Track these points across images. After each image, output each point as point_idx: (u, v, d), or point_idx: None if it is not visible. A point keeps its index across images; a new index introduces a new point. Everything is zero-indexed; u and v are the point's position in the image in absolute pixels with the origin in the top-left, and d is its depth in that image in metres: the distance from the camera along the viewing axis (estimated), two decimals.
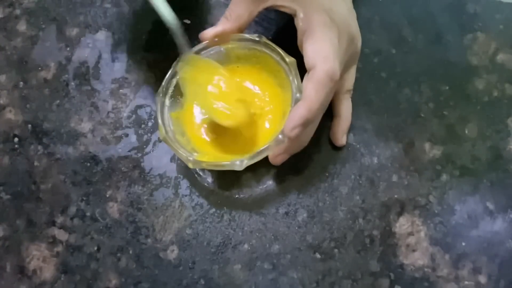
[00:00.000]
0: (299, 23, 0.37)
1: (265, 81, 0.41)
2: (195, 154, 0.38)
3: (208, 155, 0.39)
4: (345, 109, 0.40)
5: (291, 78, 0.37)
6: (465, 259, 0.37)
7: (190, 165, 0.37)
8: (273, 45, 0.38)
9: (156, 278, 0.38)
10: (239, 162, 0.36)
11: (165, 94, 0.40)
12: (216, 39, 0.39)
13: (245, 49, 0.40)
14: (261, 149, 0.36)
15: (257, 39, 0.39)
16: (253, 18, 0.39)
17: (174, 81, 0.40)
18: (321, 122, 0.38)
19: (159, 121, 0.38)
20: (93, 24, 0.46)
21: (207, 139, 0.40)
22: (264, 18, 0.44)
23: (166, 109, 0.39)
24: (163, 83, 0.39)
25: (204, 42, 0.40)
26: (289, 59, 0.38)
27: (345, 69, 0.38)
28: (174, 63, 0.40)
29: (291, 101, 0.37)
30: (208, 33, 0.39)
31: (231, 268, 0.38)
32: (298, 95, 0.36)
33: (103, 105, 0.43)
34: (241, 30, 0.39)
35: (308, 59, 0.35)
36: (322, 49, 0.35)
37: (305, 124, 0.34)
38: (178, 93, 0.40)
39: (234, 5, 0.39)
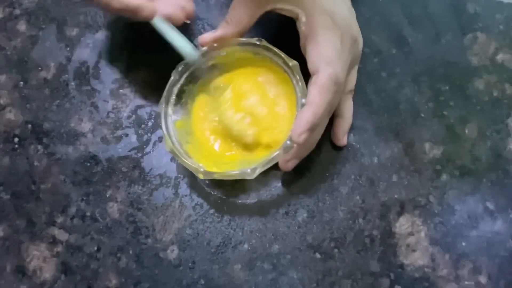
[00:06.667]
0: (302, 27, 0.37)
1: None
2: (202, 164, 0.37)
3: (215, 163, 0.38)
4: (347, 109, 0.40)
5: (294, 82, 0.37)
6: (465, 259, 0.37)
7: (201, 176, 0.37)
8: (275, 48, 0.38)
9: (156, 278, 0.38)
10: (250, 170, 0.35)
11: (167, 103, 0.39)
12: (216, 44, 0.39)
13: (247, 53, 0.40)
14: (272, 156, 0.35)
15: (257, 43, 0.39)
16: (253, 22, 0.39)
17: (175, 90, 0.40)
18: None
19: (165, 131, 0.38)
20: (93, 24, 0.46)
21: (214, 143, 0.40)
22: (266, 18, 0.44)
23: (169, 119, 0.39)
24: (164, 93, 0.39)
25: (204, 48, 0.39)
26: (292, 62, 0.37)
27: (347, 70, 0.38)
28: (174, 71, 0.40)
29: (296, 105, 0.37)
30: (207, 37, 0.39)
31: (231, 268, 0.38)
32: (303, 100, 0.36)
33: (103, 105, 0.43)
34: (241, 34, 0.39)
35: (312, 64, 0.35)
36: (325, 53, 0.35)
37: (312, 129, 0.34)
38: (180, 100, 0.40)
39: (234, 9, 0.38)
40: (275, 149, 0.36)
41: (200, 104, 0.41)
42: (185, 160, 0.37)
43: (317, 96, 0.34)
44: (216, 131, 0.40)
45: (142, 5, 0.38)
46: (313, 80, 0.35)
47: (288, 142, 0.35)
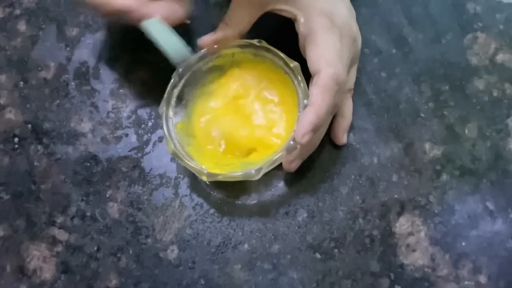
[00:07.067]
0: (300, 28, 0.37)
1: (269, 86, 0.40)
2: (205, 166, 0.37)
3: (218, 165, 0.38)
4: (346, 108, 0.40)
5: (296, 83, 0.37)
6: (465, 259, 0.37)
7: (204, 178, 0.36)
8: (275, 49, 0.38)
9: (156, 278, 0.38)
10: (254, 171, 0.35)
11: (168, 105, 0.39)
12: (216, 46, 0.39)
13: (247, 54, 0.40)
14: (275, 157, 0.36)
15: (257, 44, 0.39)
16: (253, 23, 0.39)
17: (175, 92, 0.40)
18: None
19: (166, 134, 0.38)
20: (93, 24, 0.46)
21: (216, 146, 0.40)
22: (264, 20, 0.44)
23: (170, 121, 0.39)
24: (165, 95, 0.39)
25: (203, 50, 0.39)
26: (293, 64, 0.37)
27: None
28: (174, 73, 0.39)
29: (297, 106, 0.37)
30: (207, 39, 0.39)
31: (231, 268, 0.38)
32: (305, 101, 0.36)
33: (103, 105, 0.43)
34: (241, 35, 0.39)
35: (312, 64, 0.35)
36: (325, 54, 0.35)
37: (315, 130, 0.34)
38: (180, 102, 0.40)
39: (233, 10, 0.38)
40: (278, 150, 0.36)
41: (202, 106, 0.41)
42: (188, 162, 0.37)
43: (320, 96, 0.34)
44: (215, 139, 0.40)
45: (133, 6, 0.37)
46: (315, 81, 0.35)
47: (291, 142, 0.35)
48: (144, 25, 0.38)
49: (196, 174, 0.37)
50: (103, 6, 0.37)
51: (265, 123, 0.39)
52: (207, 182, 0.40)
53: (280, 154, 0.36)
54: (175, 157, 0.37)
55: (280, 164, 0.37)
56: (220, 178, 0.36)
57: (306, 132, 0.34)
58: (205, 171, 0.36)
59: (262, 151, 0.38)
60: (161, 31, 0.37)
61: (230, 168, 0.37)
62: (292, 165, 0.38)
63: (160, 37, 0.37)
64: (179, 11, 0.39)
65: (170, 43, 0.37)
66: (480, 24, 0.43)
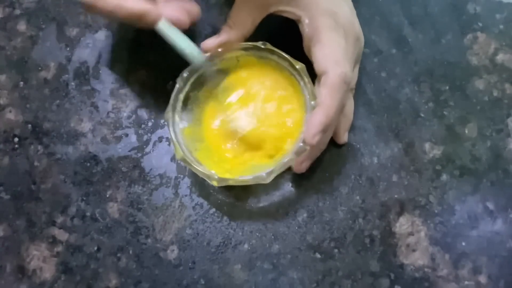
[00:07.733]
0: (305, 29, 0.37)
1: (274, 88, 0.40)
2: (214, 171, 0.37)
3: (226, 169, 0.38)
4: (348, 107, 0.40)
5: (302, 84, 0.37)
6: (465, 259, 0.37)
7: (215, 183, 0.36)
8: (280, 51, 0.38)
9: (156, 278, 0.38)
10: (265, 174, 0.35)
11: (174, 110, 0.39)
12: (220, 49, 0.39)
13: (251, 57, 0.39)
14: (286, 159, 0.35)
15: (262, 46, 0.38)
16: (256, 25, 0.39)
17: (181, 97, 0.39)
18: None
19: (174, 139, 0.38)
20: (93, 24, 0.46)
21: (226, 150, 0.39)
22: (266, 22, 0.44)
23: (177, 127, 0.39)
24: (170, 101, 0.39)
25: (207, 54, 0.39)
26: (299, 65, 0.37)
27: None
28: (179, 78, 0.39)
29: (304, 107, 0.37)
30: (211, 43, 0.38)
31: (231, 268, 0.38)
32: (312, 102, 0.36)
33: (103, 105, 0.43)
34: (245, 38, 0.39)
35: (319, 65, 0.35)
36: (332, 53, 0.35)
37: (324, 130, 0.34)
38: (186, 107, 0.40)
39: (236, 12, 0.38)
40: (287, 152, 0.36)
41: (211, 111, 0.40)
42: (197, 168, 0.37)
43: (328, 96, 0.34)
44: (228, 137, 0.40)
45: (147, 10, 0.36)
46: (323, 81, 0.35)
47: (301, 144, 0.35)
48: (158, 27, 0.37)
49: (206, 179, 0.37)
50: (117, 11, 0.36)
51: (269, 121, 0.39)
52: (207, 183, 0.40)
53: (290, 156, 0.35)
54: (184, 162, 0.37)
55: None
56: (230, 183, 0.36)
57: (316, 133, 0.34)
58: (216, 176, 0.36)
59: (270, 150, 0.38)
60: (175, 33, 0.37)
61: (240, 172, 0.37)
62: (302, 166, 0.38)
63: (177, 39, 0.37)
64: (194, 10, 0.38)
65: (187, 45, 0.37)
66: (480, 24, 0.43)
